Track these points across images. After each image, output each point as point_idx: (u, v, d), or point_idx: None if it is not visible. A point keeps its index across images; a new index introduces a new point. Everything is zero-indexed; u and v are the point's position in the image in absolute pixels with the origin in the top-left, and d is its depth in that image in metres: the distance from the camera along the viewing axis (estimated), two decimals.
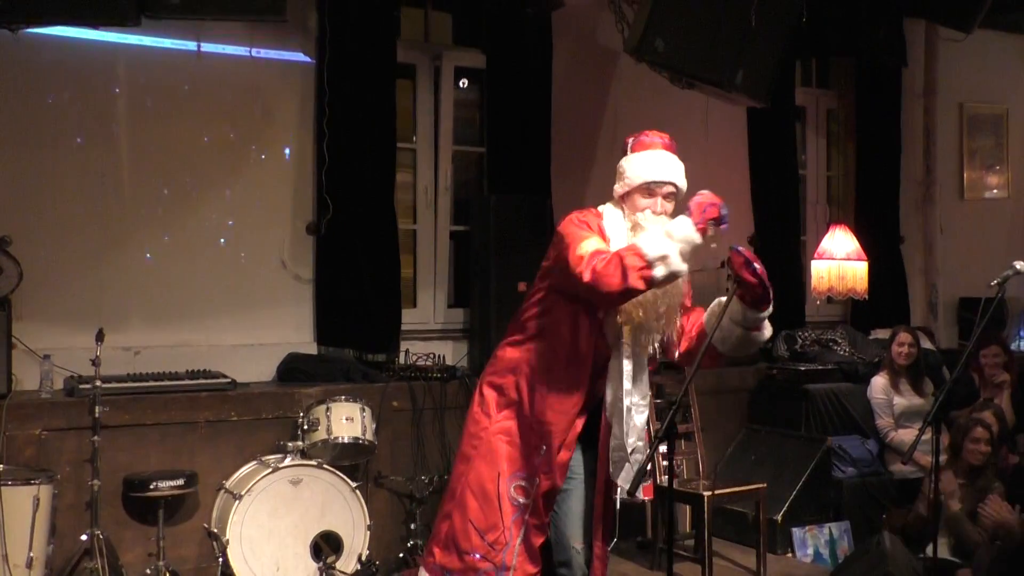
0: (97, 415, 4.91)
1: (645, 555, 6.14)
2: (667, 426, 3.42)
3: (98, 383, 4.91)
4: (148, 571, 5.08)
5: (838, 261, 7.16)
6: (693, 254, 3.45)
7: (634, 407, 3.72)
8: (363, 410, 5.49)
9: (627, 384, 3.70)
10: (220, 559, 5.00)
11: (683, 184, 3.78)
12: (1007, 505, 5.25)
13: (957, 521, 5.35)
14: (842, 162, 8.70)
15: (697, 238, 3.42)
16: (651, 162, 3.73)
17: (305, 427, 5.38)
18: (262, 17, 4.33)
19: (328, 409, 5.41)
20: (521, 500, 3.76)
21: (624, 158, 3.84)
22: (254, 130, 6.20)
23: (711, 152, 7.72)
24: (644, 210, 3.69)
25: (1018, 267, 4.24)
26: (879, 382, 6.86)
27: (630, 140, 3.89)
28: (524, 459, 3.79)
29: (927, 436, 5.07)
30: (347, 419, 5.42)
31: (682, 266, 3.42)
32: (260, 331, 6.16)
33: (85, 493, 5.01)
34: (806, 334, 7.49)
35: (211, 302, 6.05)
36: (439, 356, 6.33)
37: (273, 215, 6.25)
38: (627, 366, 3.70)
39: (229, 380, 5.64)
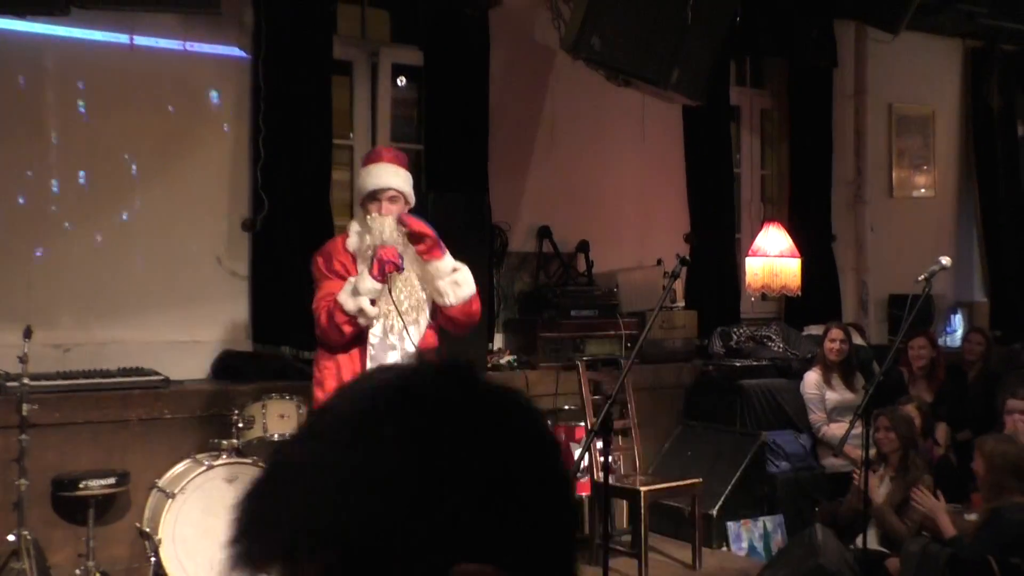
0: (24, 413, 4.81)
1: (582, 551, 6.17)
2: (603, 420, 3.54)
3: (25, 380, 4.80)
4: (77, 572, 4.98)
5: (772, 258, 7.27)
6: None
7: None
8: (299, 407, 5.44)
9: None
10: (152, 559, 4.92)
11: (400, 185, 4.58)
12: (933, 497, 5.36)
13: (883, 513, 5.47)
14: (776, 161, 8.84)
15: (378, 287, 4.39)
16: (372, 174, 4.60)
17: (240, 424, 5.31)
18: (196, 9, 4.28)
19: (264, 406, 5.35)
20: None
21: (361, 168, 4.76)
22: (188, 124, 6.12)
23: (647, 151, 7.80)
24: (371, 213, 4.55)
25: (944, 262, 4.34)
26: (812, 377, 6.97)
27: (364, 155, 4.90)
28: None
29: (858, 430, 5.20)
30: (283, 416, 5.36)
31: (374, 311, 4.42)
32: (194, 328, 6.08)
33: (12, 493, 4.88)
34: (741, 331, 7.60)
35: (144, 299, 5.96)
36: None
37: (208, 211, 6.18)
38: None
39: (162, 378, 5.56)
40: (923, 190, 9.62)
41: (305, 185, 6.29)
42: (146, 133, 6.00)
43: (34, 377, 4.95)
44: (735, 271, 8.07)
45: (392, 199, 4.55)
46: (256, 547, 0.87)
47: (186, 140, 6.12)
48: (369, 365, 4.48)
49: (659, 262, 7.44)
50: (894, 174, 9.41)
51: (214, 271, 6.19)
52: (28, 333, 4.85)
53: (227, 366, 5.98)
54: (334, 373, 4.56)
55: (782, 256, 7.25)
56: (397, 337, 4.51)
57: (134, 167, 5.98)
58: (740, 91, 8.60)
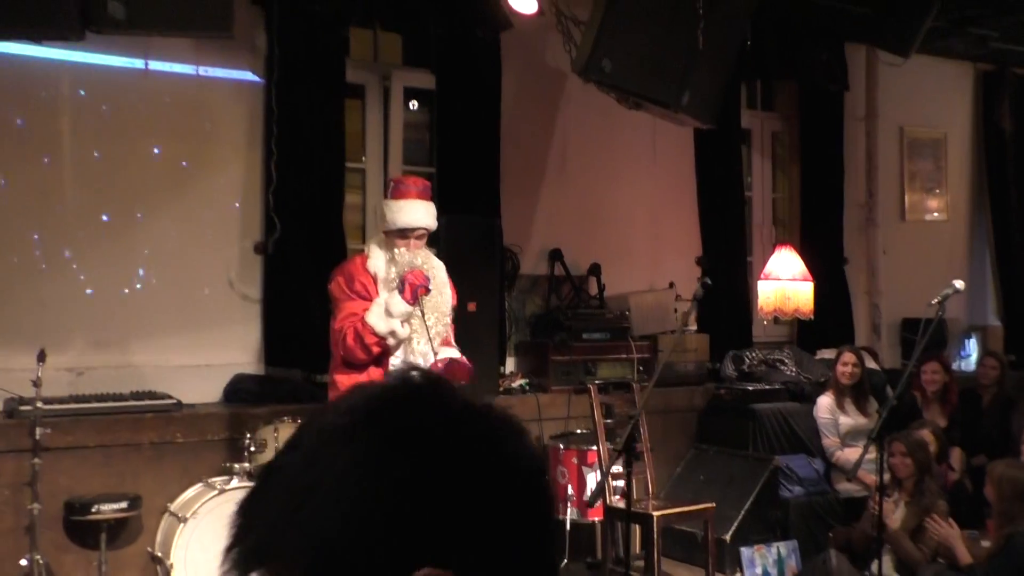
0: (37, 437, 4.82)
1: None
2: (626, 441, 3.66)
3: (39, 404, 4.82)
4: None
5: (784, 282, 7.25)
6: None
7: None
8: None
9: None
10: None
11: (432, 224, 4.79)
12: (948, 524, 5.32)
13: (897, 539, 5.42)
14: (787, 184, 8.83)
15: (409, 310, 4.56)
16: (405, 211, 4.70)
17: (252, 448, 5.32)
18: (209, 33, 4.31)
19: (275, 430, 5.36)
20: None
21: (385, 201, 4.83)
22: (201, 148, 6.15)
23: (659, 174, 7.81)
24: (400, 248, 4.69)
25: (957, 286, 4.32)
26: (824, 402, 6.94)
27: (392, 184, 4.94)
28: None
29: (872, 455, 5.17)
30: None
31: (405, 332, 4.60)
32: (207, 352, 6.09)
33: (24, 517, 4.90)
34: (753, 354, 7.57)
35: (157, 322, 5.98)
36: None
37: (221, 234, 6.20)
38: None
39: (174, 401, 5.57)
40: (935, 213, 9.60)
41: (317, 208, 6.31)
42: (160, 156, 6.03)
43: (47, 401, 4.97)
44: (747, 294, 8.06)
45: (421, 236, 4.75)
46: (241, 552, 0.93)
47: (199, 163, 6.15)
48: None
49: (671, 285, 7.44)
50: (906, 197, 9.39)
51: (227, 294, 6.20)
52: (42, 356, 4.87)
53: (239, 390, 5.98)
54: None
55: (794, 280, 7.23)
56: (422, 359, 4.63)
57: (148, 190, 6.00)
58: (751, 114, 8.61)
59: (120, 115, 5.93)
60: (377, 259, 4.74)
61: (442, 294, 4.81)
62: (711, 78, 4.98)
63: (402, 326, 4.58)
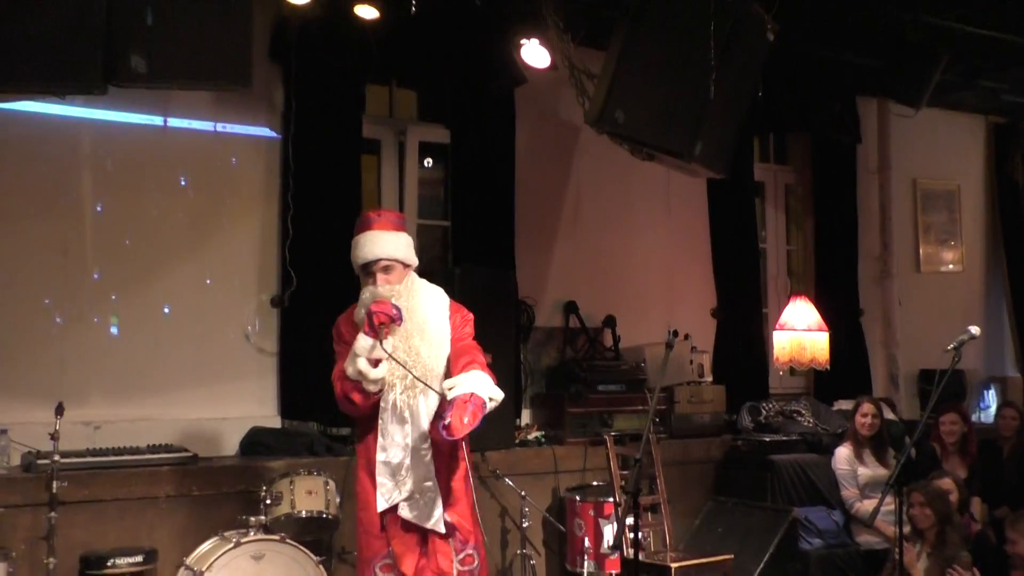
0: (54, 490, 4.83)
1: None
2: (633, 485, 3.60)
3: (56, 457, 4.83)
4: None
5: (799, 332, 7.24)
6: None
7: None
8: (327, 484, 5.43)
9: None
10: None
11: (391, 252, 4.27)
12: (971, 574, 5.26)
13: None
14: (801, 236, 8.85)
15: (370, 343, 4.09)
16: (361, 246, 4.32)
17: (268, 501, 5.30)
18: (229, 85, 4.38)
19: (291, 483, 5.34)
20: None
21: (353, 239, 4.39)
22: (219, 203, 6.22)
23: (673, 226, 7.85)
24: (366, 288, 4.31)
25: (972, 332, 4.31)
26: (843, 453, 6.88)
27: (357, 220, 4.45)
28: None
29: (892, 506, 5.12)
30: (310, 493, 5.35)
31: (374, 372, 4.11)
32: (223, 405, 6.11)
33: (40, 571, 4.89)
34: (770, 406, 7.53)
35: (174, 376, 6.01)
36: None
37: (237, 288, 6.25)
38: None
39: (191, 454, 5.57)
40: (951, 265, 9.60)
41: (333, 262, 6.30)
42: (178, 211, 6.11)
43: (64, 454, 4.99)
44: (762, 346, 8.05)
45: (385, 269, 4.29)
46: None
47: (217, 218, 6.21)
48: (381, 441, 4.23)
49: (687, 336, 7.43)
50: (921, 249, 9.40)
51: (243, 348, 6.23)
52: (60, 410, 4.89)
53: (256, 443, 5.98)
54: (363, 449, 4.39)
55: (809, 330, 7.22)
56: (409, 410, 4.20)
57: (166, 245, 6.06)
58: (764, 167, 8.67)
59: (139, 171, 6.02)
60: (358, 310, 4.33)
61: (426, 332, 4.23)
62: (723, 128, 5.03)
63: (372, 365, 4.11)
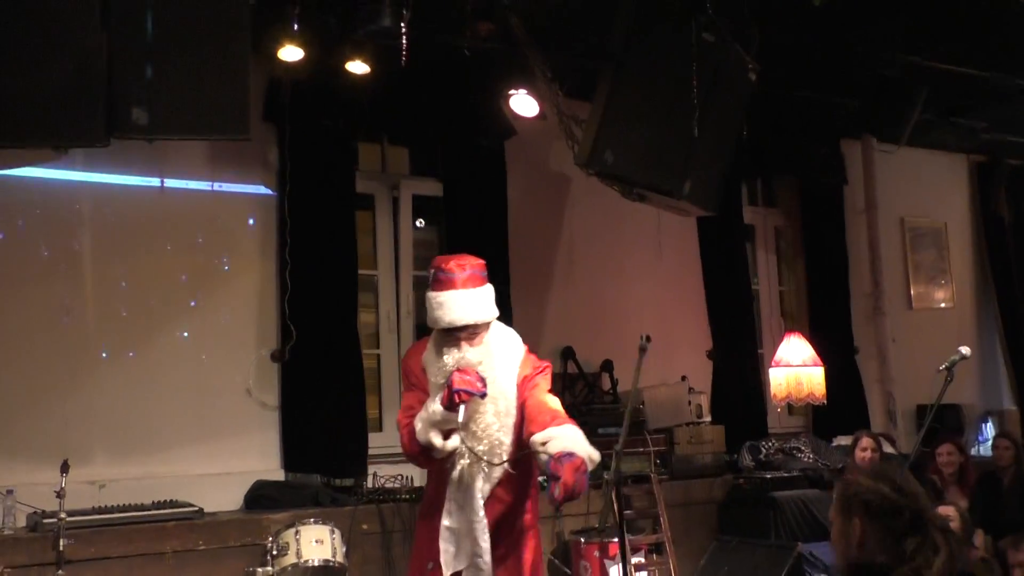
0: (61, 548, 4.84)
1: None
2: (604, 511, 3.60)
3: (62, 515, 4.85)
4: None
5: (795, 368, 7.30)
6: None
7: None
8: (332, 532, 5.44)
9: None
10: None
11: (481, 317, 4.01)
12: None
13: None
14: (793, 277, 8.97)
15: (446, 416, 3.87)
16: (446, 307, 3.98)
17: (274, 552, 5.31)
18: (227, 136, 4.49)
19: (297, 533, 5.35)
20: None
21: (428, 295, 4.07)
22: (217, 260, 6.31)
23: (666, 271, 7.95)
24: (449, 351, 4.01)
25: (963, 352, 4.40)
26: None
27: (432, 271, 4.10)
28: None
29: None
30: (317, 542, 5.36)
31: (444, 444, 3.93)
32: (227, 460, 6.14)
33: None
34: (770, 444, 7.58)
35: (177, 433, 6.04)
36: (407, 477, 6.31)
37: (238, 343, 6.31)
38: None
39: (196, 508, 5.59)
40: (942, 302, 9.70)
41: (332, 316, 6.43)
42: (178, 270, 6.19)
43: (70, 513, 4.99)
44: (759, 386, 8.10)
45: (470, 336, 4.01)
46: None
47: (216, 275, 6.30)
48: (447, 506, 4.08)
49: (683, 378, 7.50)
50: (912, 286, 9.51)
51: (245, 402, 6.27)
52: (65, 468, 4.92)
53: (260, 496, 6.00)
54: (433, 488, 4.22)
55: (805, 365, 7.28)
56: (470, 482, 4.01)
57: (166, 303, 6.13)
58: (753, 210, 8.80)
59: (138, 233, 6.11)
60: (430, 352, 4.11)
61: (499, 403, 3.97)
62: (711, 167, 5.16)
63: (443, 438, 3.92)
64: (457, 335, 4.00)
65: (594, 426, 6.84)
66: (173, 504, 5.63)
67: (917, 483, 2.88)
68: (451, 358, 3.98)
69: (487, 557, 4.08)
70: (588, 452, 3.81)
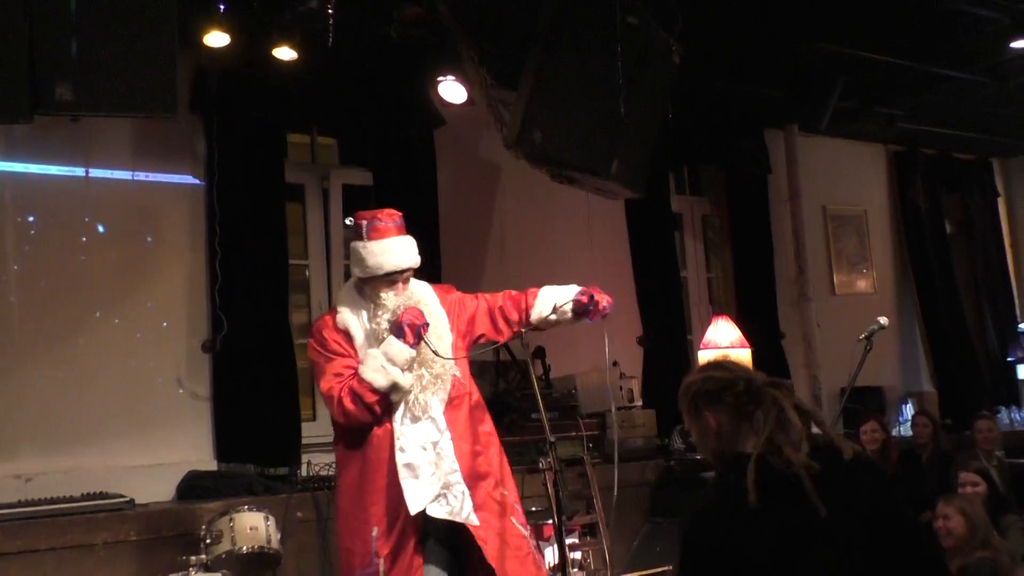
0: None
1: None
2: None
3: None
4: None
5: (723, 350, 7.43)
6: None
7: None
8: (267, 519, 5.40)
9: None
10: None
11: (417, 261, 4.35)
12: None
13: None
14: (720, 265, 9.12)
15: (410, 355, 4.13)
16: (389, 252, 4.24)
17: (208, 540, 5.25)
18: (154, 113, 4.43)
19: (231, 520, 5.30)
20: None
21: (360, 242, 4.29)
22: (145, 251, 6.25)
23: (595, 258, 8.04)
24: (387, 293, 4.27)
25: (882, 321, 4.55)
26: None
27: (363, 223, 4.33)
28: None
29: None
30: (251, 528, 5.31)
31: (407, 381, 4.15)
32: (158, 451, 6.07)
33: None
34: None
35: (106, 424, 5.96)
36: None
37: (168, 334, 6.25)
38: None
39: (127, 499, 5.52)
40: (863, 287, 9.94)
41: (263, 306, 6.40)
42: (104, 261, 6.12)
43: None
44: (688, 371, 8.20)
45: (407, 279, 4.34)
46: None
47: (144, 265, 6.23)
48: (398, 443, 4.18)
49: (615, 364, 7.57)
50: (835, 273, 9.73)
51: (175, 394, 6.22)
52: None
53: (193, 486, 5.95)
54: (358, 469, 4.29)
55: (733, 347, 7.42)
56: (423, 409, 4.23)
57: (93, 294, 6.05)
58: (680, 199, 8.94)
59: (63, 223, 6.02)
60: (346, 314, 4.32)
61: (436, 328, 4.31)
62: (638, 148, 5.24)
63: (404, 375, 4.15)
64: (395, 278, 4.25)
65: (527, 411, 6.90)
66: (103, 496, 5.55)
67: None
68: (391, 302, 4.24)
69: (457, 474, 4.23)
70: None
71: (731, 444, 2.63)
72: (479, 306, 4.59)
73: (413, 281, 4.42)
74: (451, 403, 4.33)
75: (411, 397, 4.21)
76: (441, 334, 4.33)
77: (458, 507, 4.21)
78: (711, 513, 2.57)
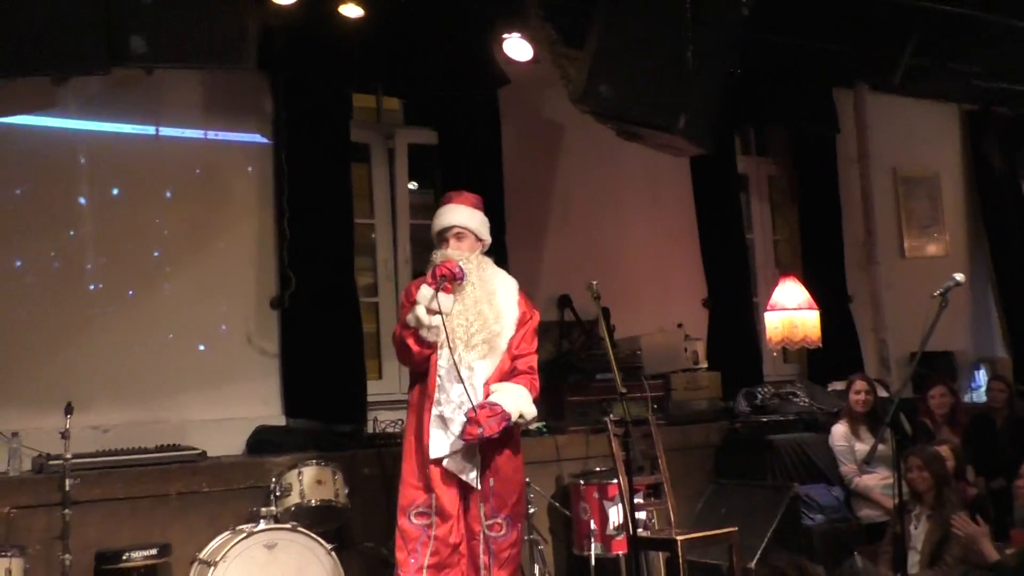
0: (67, 488, 4.90)
1: None
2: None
3: (68, 456, 4.90)
4: None
5: (790, 311, 7.35)
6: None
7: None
8: (335, 474, 5.51)
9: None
10: None
11: (465, 222, 4.80)
12: (975, 523, 5.36)
13: None
14: (786, 226, 9.00)
15: (430, 293, 4.49)
16: (439, 215, 4.86)
17: (277, 493, 5.38)
18: (228, 64, 4.49)
19: (300, 474, 5.42)
20: None
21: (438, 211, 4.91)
22: (215, 209, 6.34)
23: (660, 219, 8.00)
24: (437, 253, 4.76)
25: (958, 278, 4.46)
26: (840, 430, 6.97)
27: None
28: None
29: (889, 480, 5.20)
30: (319, 482, 5.44)
31: (426, 318, 4.50)
32: (228, 406, 6.18)
33: (56, 570, 4.94)
34: (765, 389, 7.61)
35: (179, 379, 6.09)
36: None
37: (237, 291, 6.35)
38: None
39: (199, 451, 5.65)
40: (934, 250, 9.75)
41: (330, 263, 6.46)
42: (175, 218, 6.22)
43: (75, 456, 5.05)
44: (755, 334, 8.16)
45: (458, 236, 4.77)
46: None
47: (214, 223, 6.33)
48: (437, 395, 4.58)
49: (680, 325, 7.54)
50: (905, 235, 9.55)
51: (245, 350, 6.32)
52: (69, 409, 4.99)
53: (261, 441, 6.05)
54: (415, 404, 4.73)
55: (800, 308, 7.33)
56: (467, 369, 4.58)
57: (165, 252, 6.17)
58: (746, 160, 8.83)
59: (135, 181, 6.13)
60: (431, 265, 4.76)
61: (494, 301, 4.69)
62: (705, 102, 5.16)
63: (427, 314, 4.50)
64: (446, 236, 4.76)
65: (592, 371, 6.93)
66: (176, 448, 5.68)
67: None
68: (439, 256, 4.70)
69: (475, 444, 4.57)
70: (522, 409, 4.60)
71: None
72: (519, 347, 4.84)
73: (498, 268, 4.87)
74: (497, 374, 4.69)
75: (457, 354, 4.53)
76: (501, 312, 4.71)
77: (465, 467, 4.62)
78: None
